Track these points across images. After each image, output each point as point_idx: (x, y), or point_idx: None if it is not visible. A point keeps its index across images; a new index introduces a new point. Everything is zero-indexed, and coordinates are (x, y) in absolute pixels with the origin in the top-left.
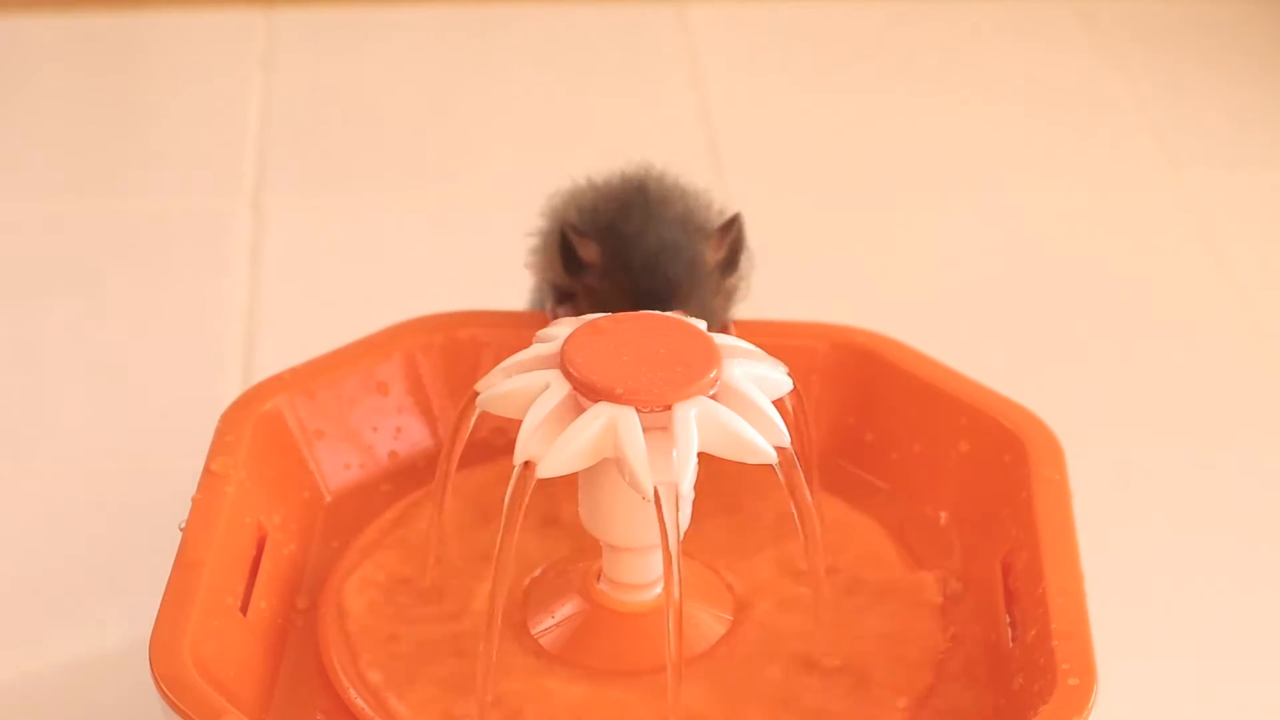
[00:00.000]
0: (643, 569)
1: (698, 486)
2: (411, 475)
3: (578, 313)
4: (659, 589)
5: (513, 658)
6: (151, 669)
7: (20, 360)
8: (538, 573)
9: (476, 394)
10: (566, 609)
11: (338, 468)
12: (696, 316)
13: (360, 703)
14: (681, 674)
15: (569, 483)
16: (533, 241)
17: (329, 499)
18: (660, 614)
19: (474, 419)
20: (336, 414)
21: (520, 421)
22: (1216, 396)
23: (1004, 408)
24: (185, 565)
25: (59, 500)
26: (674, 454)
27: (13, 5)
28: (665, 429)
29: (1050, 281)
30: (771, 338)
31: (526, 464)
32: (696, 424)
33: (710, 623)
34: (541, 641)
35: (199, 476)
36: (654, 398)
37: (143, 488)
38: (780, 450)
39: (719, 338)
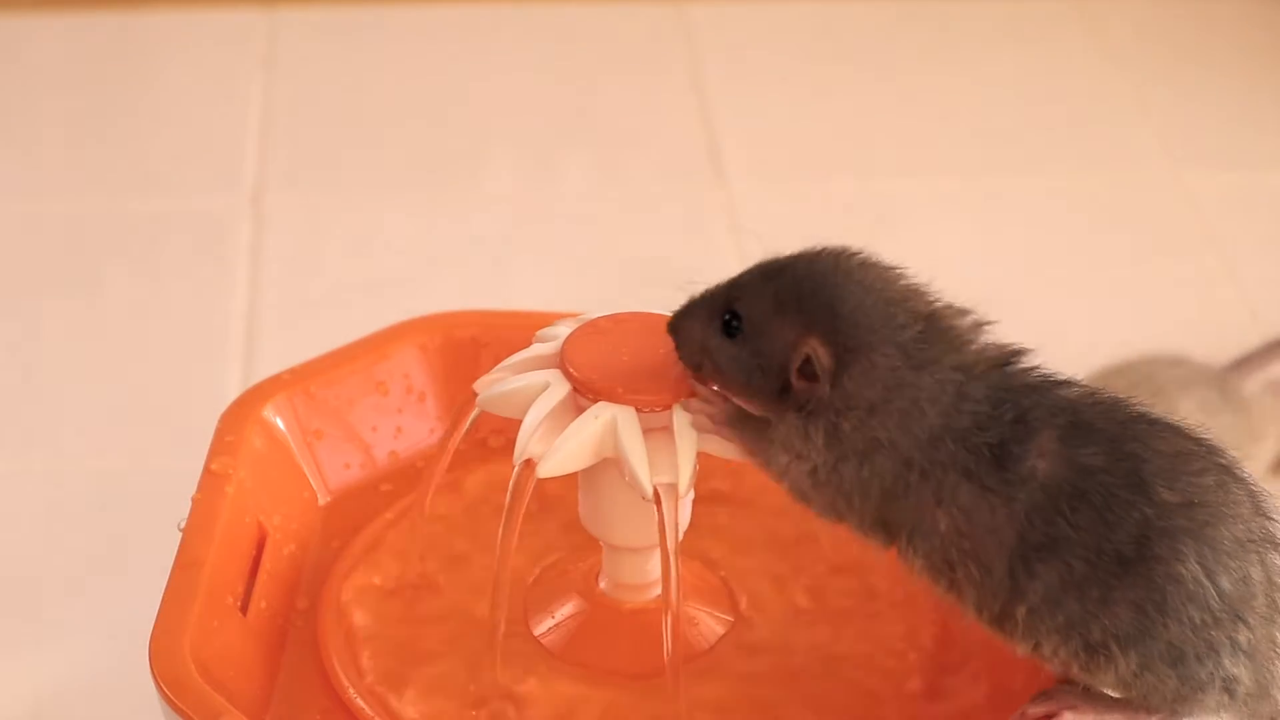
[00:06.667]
0: (642, 569)
1: (697, 486)
2: (411, 475)
3: None
4: (659, 589)
5: (513, 657)
6: (151, 669)
7: (20, 360)
8: (538, 572)
9: (476, 394)
10: (566, 609)
11: (338, 468)
12: None
13: (360, 703)
14: (681, 674)
15: (568, 482)
16: None
17: (329, 499)
18: (660, 614)
19: (471, 418)
20: (336, 414)
21: (520, 421)
22: None
23: None
24: (185, 565)
25: (59, 499)
26: (674, 454)
27: (13, 5)
28: (665, 429)
29: (1051, 280)
30: None
31: (526, 463)
32: None
33: (710, 623)
34: (542, 642)
35: (199, 476)
36: (654, 398)
37: (143, 488)
38: None
39: None
